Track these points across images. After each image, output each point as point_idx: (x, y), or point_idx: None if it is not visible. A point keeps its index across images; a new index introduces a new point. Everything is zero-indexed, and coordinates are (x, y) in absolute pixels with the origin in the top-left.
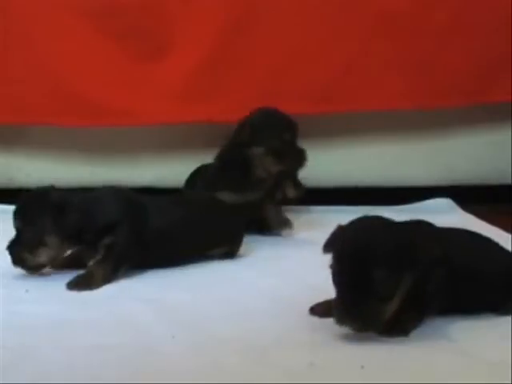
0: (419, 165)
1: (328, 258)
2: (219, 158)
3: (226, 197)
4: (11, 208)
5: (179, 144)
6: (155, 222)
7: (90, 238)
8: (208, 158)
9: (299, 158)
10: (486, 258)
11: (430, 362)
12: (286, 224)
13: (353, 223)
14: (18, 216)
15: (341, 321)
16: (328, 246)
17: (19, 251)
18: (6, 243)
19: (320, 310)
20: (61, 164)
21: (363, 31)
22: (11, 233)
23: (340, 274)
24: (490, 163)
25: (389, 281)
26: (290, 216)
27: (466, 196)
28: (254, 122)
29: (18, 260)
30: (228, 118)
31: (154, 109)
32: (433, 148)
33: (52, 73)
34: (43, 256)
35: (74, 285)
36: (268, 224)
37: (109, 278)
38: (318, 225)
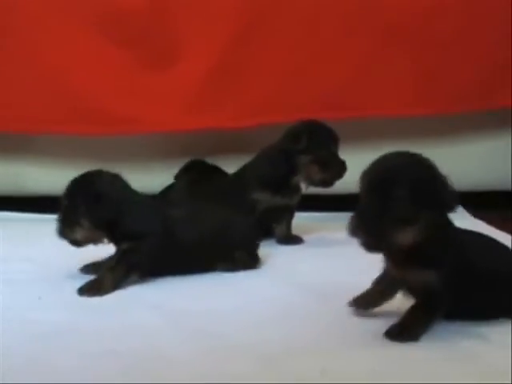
0: None
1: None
2: (261, 160)
3: (263, 197)
4: (21, 216)
5: (187, 152)
6: (183, 236)
7: (114, 236)
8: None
9: (340, 170)
10: (504, 260)
11: (441, 367)
12: (293, 241)
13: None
14: (65, 192)
15: (353, 232)
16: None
17: (61, 224)
18: (16, 249)
19: (362, 301)
20: (69, 172)
21: (372, 40)
22: (21, 239)
23: (362, 191)
24: (496, 169)
25: (406, 202)
26: (300, 222)
27: (473, 202)
28: (310, 133)
29: (58, 231)
30: (236, 124)
31: (162, 116)
32: (438, 154)
33: (60, 81)
34: (78, 234)
35: (84, 291)
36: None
37: (118, 285)
38: (328, 231)
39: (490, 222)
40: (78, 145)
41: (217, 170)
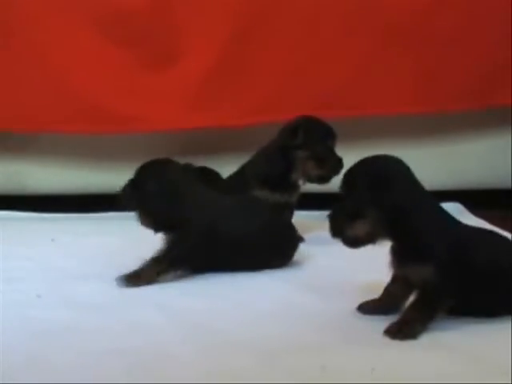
0: (426, 169)
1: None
2: (259, 158)
3: (262, 195)
4: (22, 215)
5: (189, 150)
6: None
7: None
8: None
9: (337, 166)
10: (506, 255)
11: (439, 365)
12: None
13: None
14: None
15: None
16: None
17: None
18: (16, 248)
19: (368, 307)
20: (72, 170)
21: (371, 39)
22: (21, 238)
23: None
24: (497, 167)
25: (355, 199)
26: (299, 220)
27: (474, 200)
28: (307, 128)
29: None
30: (237, 123)
31: (162, 115)
32: (440, 152)
33: (60, 80)
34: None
35: (123, 280)
36: None
37: (160, 278)
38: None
39: (490, 220)
40: (78, 144)
41: (208, 172)
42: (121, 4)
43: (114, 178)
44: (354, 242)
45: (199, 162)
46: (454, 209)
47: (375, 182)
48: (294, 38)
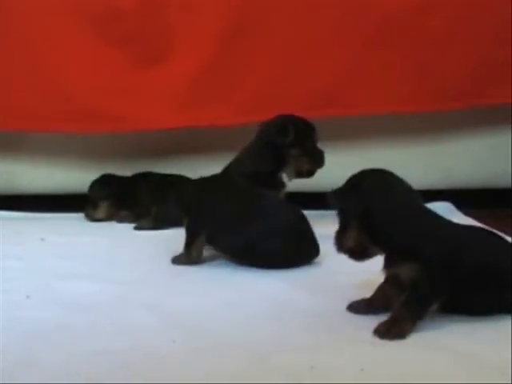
0: (417, 168)
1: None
2: (247, 156)
3: None
4: (14, 214)
5: (181, 150)
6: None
7: None
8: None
9: (322, 159)
10: (498, 254)
11: (429, 364)
12: None
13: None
14: None
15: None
16: None
17: None
18: (7, 247)
19: (358, 306)
20: (63, 170)
21: (364, 37)
22: (14, 237)
23: None
24: (488, 166)
25: (340, 214)
26: None
27: (465, 200)
28: (296, 126)
29: None
30: (229, 122)
31: (155, 114)
32: (431, 151)
33: (52, 80)
34: None
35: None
36: None
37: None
38: (319, 228)
39: (480, 219)
40: (70, 143)
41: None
42: (112, 3)
43: None
44: (352, 255)
45: (198, 162)
46: (444, 208)
47: (349, 190)
48: (284, 38)
